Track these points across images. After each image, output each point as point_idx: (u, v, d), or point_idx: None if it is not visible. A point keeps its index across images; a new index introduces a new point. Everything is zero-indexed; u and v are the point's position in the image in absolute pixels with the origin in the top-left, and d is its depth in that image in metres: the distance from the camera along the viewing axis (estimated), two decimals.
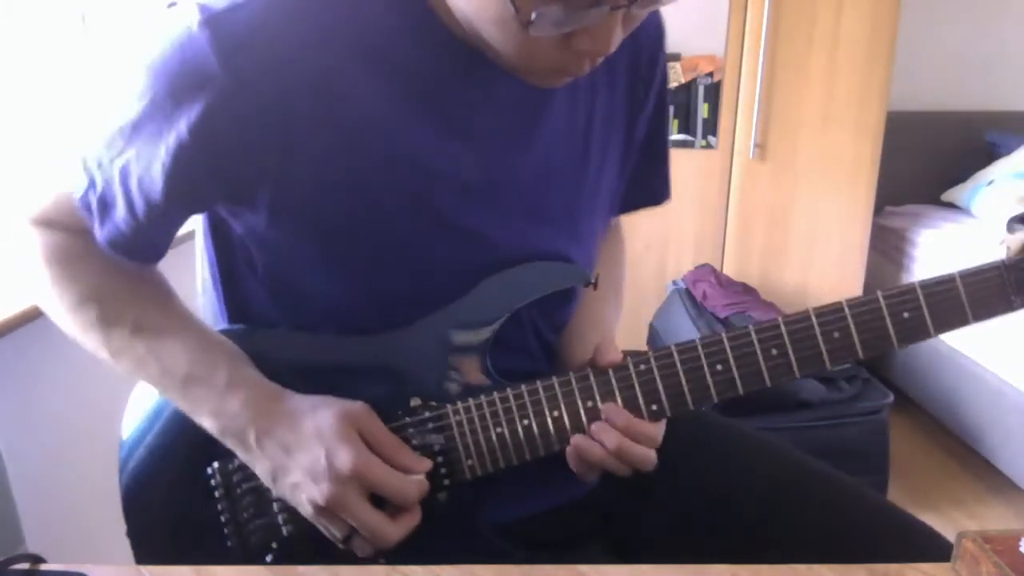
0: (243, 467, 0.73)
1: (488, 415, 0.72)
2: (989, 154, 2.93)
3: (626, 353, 0.74)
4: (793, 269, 2.66)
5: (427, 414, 0.73)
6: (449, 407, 0.73)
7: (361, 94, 0.67)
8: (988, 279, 0.70)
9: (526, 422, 0.72)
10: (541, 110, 0.75)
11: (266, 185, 0.68)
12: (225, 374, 0.71)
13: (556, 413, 0.72)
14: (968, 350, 2.35)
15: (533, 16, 0.57)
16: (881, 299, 0.70)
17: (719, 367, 0.71)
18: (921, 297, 0.70)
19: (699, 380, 0.71)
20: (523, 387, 0.72)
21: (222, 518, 0.75)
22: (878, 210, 2.77)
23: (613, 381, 0.72)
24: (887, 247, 2.86)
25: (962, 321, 0.70)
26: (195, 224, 0.95)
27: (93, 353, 0.76)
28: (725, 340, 0.71)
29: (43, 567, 0.64)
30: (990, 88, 3.12)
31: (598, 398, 0.72)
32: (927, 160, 3.02)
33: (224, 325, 0.81)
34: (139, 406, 0.82)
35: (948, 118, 3.05)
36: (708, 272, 2.51)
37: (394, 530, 0.68)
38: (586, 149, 0.79)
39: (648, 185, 0.94)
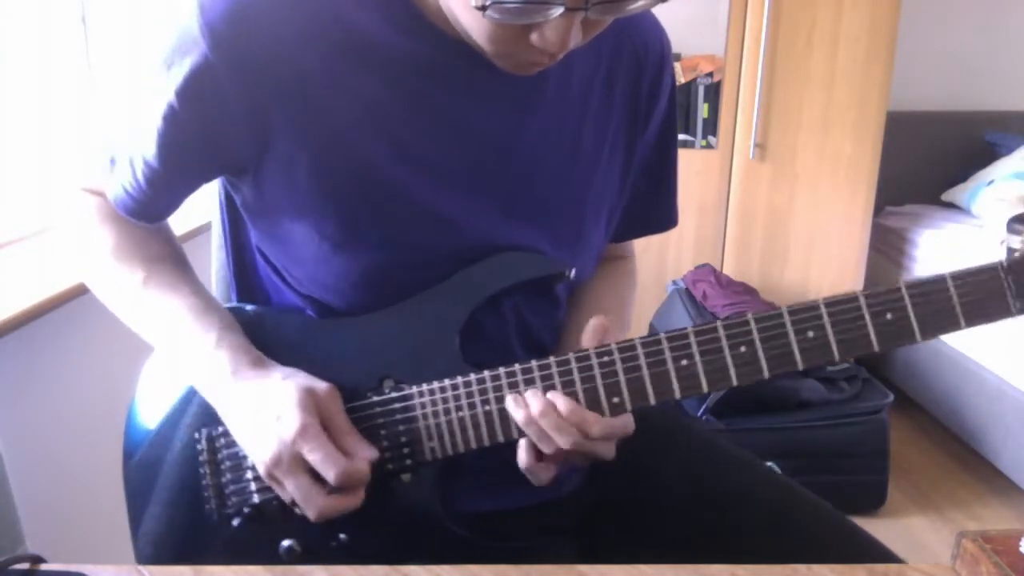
0: (226, 434, 0.77)
1: (451, 398, 0.73)
2: (989, 154, 2.93)
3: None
4: (793, 269, 2.66)
5: (393, 395, 0.74)
6: (415, 389, 0.74)
7: (338, 77, 0.70)
8: (984, 281, 0.66)
9: (487, 407, 0.72)
10: (526, 109, 0.76)
11: (250, 158, 0.72)
12: (215, 334, 0.75)
13: None
14: (968, 350, 2.35)
15: (487, 2, 0.60)
16: (861, 298, 0.67)
17: (684, 362, 0.69)
18: (906, 297, 0.66)
19: (662, 375, 0.69)
20: (486, 373, 0.73)
21: (203, 481, 0.78)
22: (878, 210, 2.77)
23: (575, 371, 0.71)
24: (887, 247, 2.86)
25: (953, 325, 0.66)
26: (211, 216, 0.95)
27: (107, 306, 0.81)
28: (691, 335, 0.69)
29: (43, 567, 0.64)
30: (990, 88, 3.12)
31: (559, 387, 0.71)
32: (927, 160, 3.02)
33: (234, 301, 0.86)
34: (155, 384, 0.85)
35: (948, 118, 3.06)
36: (708, 272, 2.51)
37: (326, 503, 0.70)
38: (574, 158, 0.79)
39: (654, 211, 0.93)
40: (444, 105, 0.73)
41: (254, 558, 0.76)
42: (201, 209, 0.84)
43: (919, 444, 2.55)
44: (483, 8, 0.60)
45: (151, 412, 0.83)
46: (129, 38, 1.76)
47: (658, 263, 2.66)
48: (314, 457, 0.69)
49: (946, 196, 2.92)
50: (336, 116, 0.71)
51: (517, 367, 0.72)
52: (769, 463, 2.11)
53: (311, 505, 0.70)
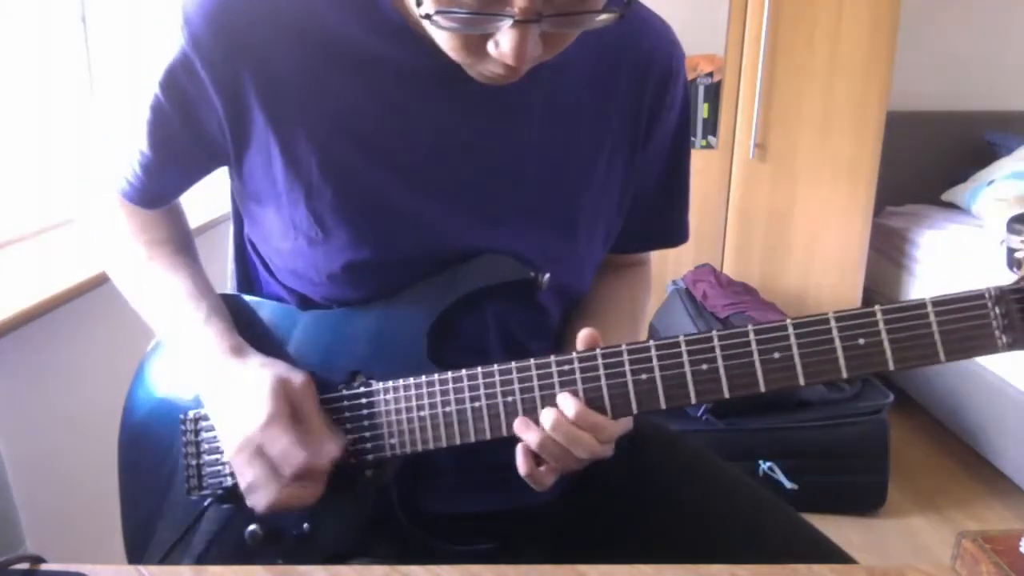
0: (208, 416, 0.79)
1: (413, 397, 0.74)
2: (989, 154, 2.93)
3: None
4: (793, 269, 2.66)
5: (360, 389, 0.76)
6: (380, 384, 0.75)
7: (315, 78, 0.72)
8: (968, 309, 0.61)
9: (448, 408, 0.72)
10: (511, 117, 0.76)
11: (231, 150, 0.75)
12: (202, 317, 0.78)
13: (477, 404, 0.72)
14: None
15: (432, 11, 0.60)
16: (832, 321, 0.63)
17: (643, 376, 0.67)
18: (881, 323, 0.62)
19: (620, 387, 0.68)
20: (450, 374, 0.73)
21: (183, 461, 0.80)
22: (878, 210, 2.77)
23: (534, 378, 0.70)
24: (887, 247, 2.86)
25: (931, 357, 0.61)
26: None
27: (116, 285, 0.85)
28: (652, 349, 0.67)
29: (43, 567, 0.64)
30: (990, 88, 3.12)
31: (518, 393, 0.71)
32: (927, 160, 3.02)
33: (234, 290, 0.90)
34: (155, 364, 0.88)
35: (948, 118, 3.06)
36: (708, 272, 2.51)
37: (281, 493, 0.71)
38: (564, 167, 0.79)
39: (662, 226, 0.93)
40: (424, 111, 0.74)
41: (222, 539, 0.78)
42: (225, 198, 0.88)
43: (919, 444, 2.55)
44: (428, 17, 0.61)
45: (148, 393, 0.86)
46: (129, 38, 1.76)
47: (658, 263, 2.63)
48: (272, 450, 0.71)
49: (946, 196, 2.92)
50: (312, 116, 0.72)
51: (479, 370, 0.72)
52: (769, 463, 2.12)
53: (266, 493, 0.71)
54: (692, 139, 2.66)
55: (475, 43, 0.64)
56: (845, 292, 2.65)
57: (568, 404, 0.69)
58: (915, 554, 1.98)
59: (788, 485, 2.07)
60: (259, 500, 0.73)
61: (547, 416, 0.69)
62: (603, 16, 0.62)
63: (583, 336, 0.71)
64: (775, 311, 2.39)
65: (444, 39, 0.65)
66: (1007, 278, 0.66)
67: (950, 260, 2.55)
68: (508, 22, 0.60)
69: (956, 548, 0.63)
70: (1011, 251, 0.66)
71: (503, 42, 0.61)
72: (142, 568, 0.65)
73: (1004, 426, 2.19)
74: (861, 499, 2.17)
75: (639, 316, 0.93)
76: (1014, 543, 0.60)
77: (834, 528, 0.86)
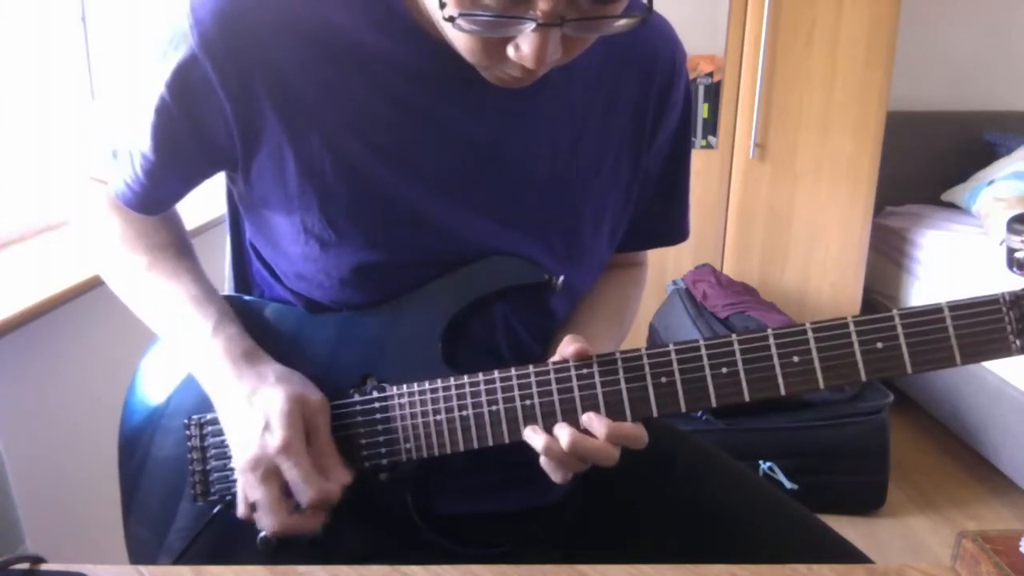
0: (215, 422, 0.77)
1: (428, 401, 0.73)
2: (989, 154, 2.93)
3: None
4: (793, 269, 2.66)
5: (374, 393, 0.75)
6: (395, 389, 0.74)
7: (325, 80, 0.71)
8: (983, 314, 0.62)
9: (464, 412, 0.72)
10: (519, 118, 0.76)
11: (239, 154, 0.73)
12: (212, 323, 0.76)
13: (494, 407, 0.72)
14: None
15: (456, 14, 0.60)
16: (851, 324, 0.64)
17: (663, 380, 0.68)
18: (899, 327, 0.63)
19: (640, 391, 0.68)
20: (466, 378, 0.72)
21: (190, 466, 0.79)
22: (878, 210, 2.77)
23: (552, 382, 0.70)
24: (887, 247, 2.86)
25: (948, 361, 0.62)
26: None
27: (115, 292, 0.84)
28: (672, 353, 0.68)
29: (43, 567, 0.64)
30: (990, 88, 3.12)
31: (536, 396, 0.71)
32: (927, 160, 3.02)
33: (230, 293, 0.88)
34: (154, 368, 0.87)
35: (948, 118, 3.06)
36: (708, 272, 2.51)
37: (288, 520, 0.70)
38: (570, 168, 0.79)
39: (664, 224, 0.93)
40: (433, 111, 0.73)
41: (229, 543, 0.77)
42: (221, 200, 0.87)
43: (919, 444, 2.55)
44: (451, 20, 0.60)
45: (148, 394, 0.85)
46: (129, 38, 1.76)
47: (658, 263, 2.65)
48: (293, 475, 0.69)
49: (946, 196, 2.92)
50: (323, 118, 0.71)
51: (496, 374, 0.72)
52: (769, 463, 2.12)
53: (274, 519, 0.70)
54: (692, 139, 2.65)
55: (494, 46, 0.64)
56: (845, 292, 2.65)
57: (597, 425, 0.68)
58: (915, 554, 1.98)
59: (788, 485, 2.07)
60: (265, 523, 0.71)
61: (563, 434, 0.68)
62: (623, 21, 0.62)
63: (571, 352, 0.70)
64: (775, 311, 2.39)
65: (463, 41, 0.64)
66: (1007, 278, 0.67)
67: (950, 260, 2.55)
68: (531, 25, 0.60)
69: (956, 548, 0.63)
70: (1011, 251, 0.67)
71: (524, 45, 0.62)
72: (142, 568, 0.65)
73: (1004, 426, 2.19)
74: (861, 499, 2.17)
75: (626, 318, 0.93)
76: (1014, 543, 0.60)
77: (834, 528, 0.87)
